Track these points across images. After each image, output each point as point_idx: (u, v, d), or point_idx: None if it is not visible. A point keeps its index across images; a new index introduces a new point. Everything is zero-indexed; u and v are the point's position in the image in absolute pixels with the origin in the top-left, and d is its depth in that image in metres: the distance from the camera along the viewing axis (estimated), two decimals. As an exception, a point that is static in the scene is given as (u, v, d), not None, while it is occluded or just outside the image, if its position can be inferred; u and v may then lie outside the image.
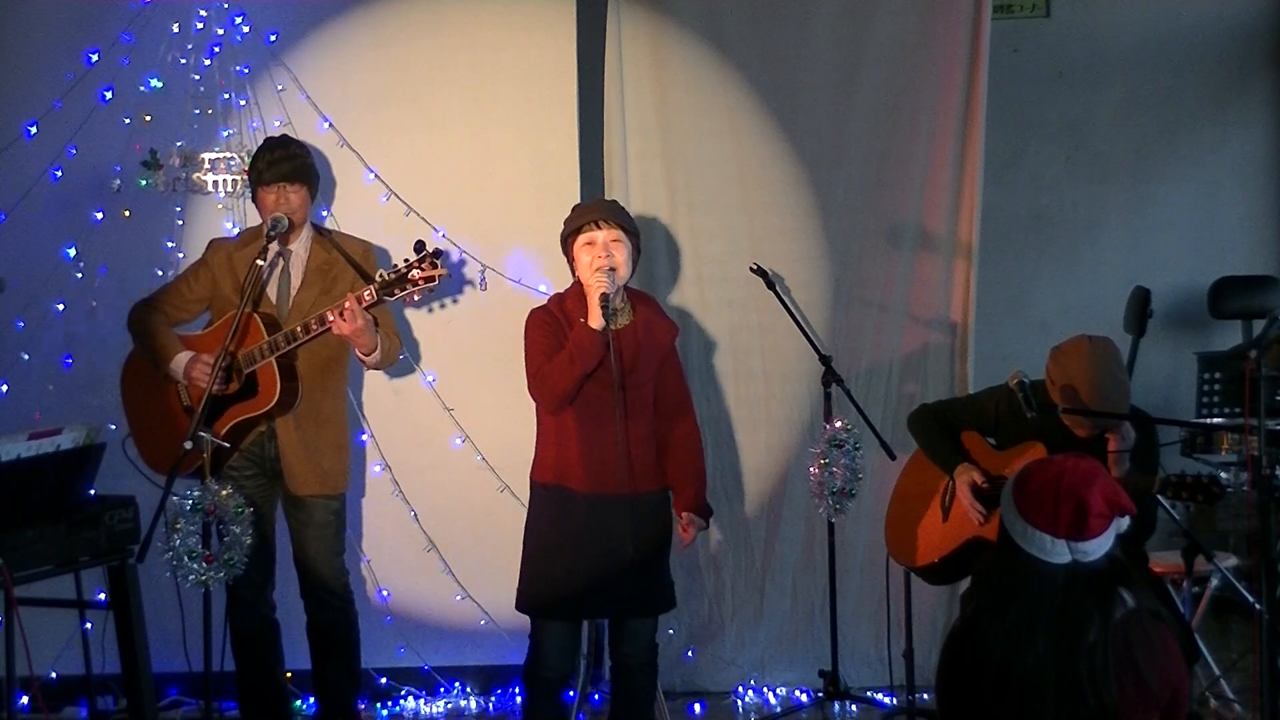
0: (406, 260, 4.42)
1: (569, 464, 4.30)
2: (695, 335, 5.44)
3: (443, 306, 5.24)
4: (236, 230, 5.11)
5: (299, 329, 4.49)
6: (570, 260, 4.37)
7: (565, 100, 5.31)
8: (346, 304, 4.41)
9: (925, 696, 5.04)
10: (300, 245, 4.69)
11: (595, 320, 4.17)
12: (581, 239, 4.29)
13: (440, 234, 5.23)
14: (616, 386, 4.16)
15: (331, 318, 4.44)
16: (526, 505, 4.47)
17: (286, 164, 4.61)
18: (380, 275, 4.45)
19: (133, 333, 4.75)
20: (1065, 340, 4.38)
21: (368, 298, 4.42)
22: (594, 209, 4.38)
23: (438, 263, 4.42)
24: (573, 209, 4.46)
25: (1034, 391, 4.34)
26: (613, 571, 4.24)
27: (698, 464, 4.47)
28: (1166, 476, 4.09)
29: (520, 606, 4.39)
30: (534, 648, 4.39)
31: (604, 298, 4.16)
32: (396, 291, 4.42)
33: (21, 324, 5.25)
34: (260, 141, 5.14)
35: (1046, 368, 4.38)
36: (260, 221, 4.70)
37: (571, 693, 5.04)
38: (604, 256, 4.23)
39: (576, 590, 4.28)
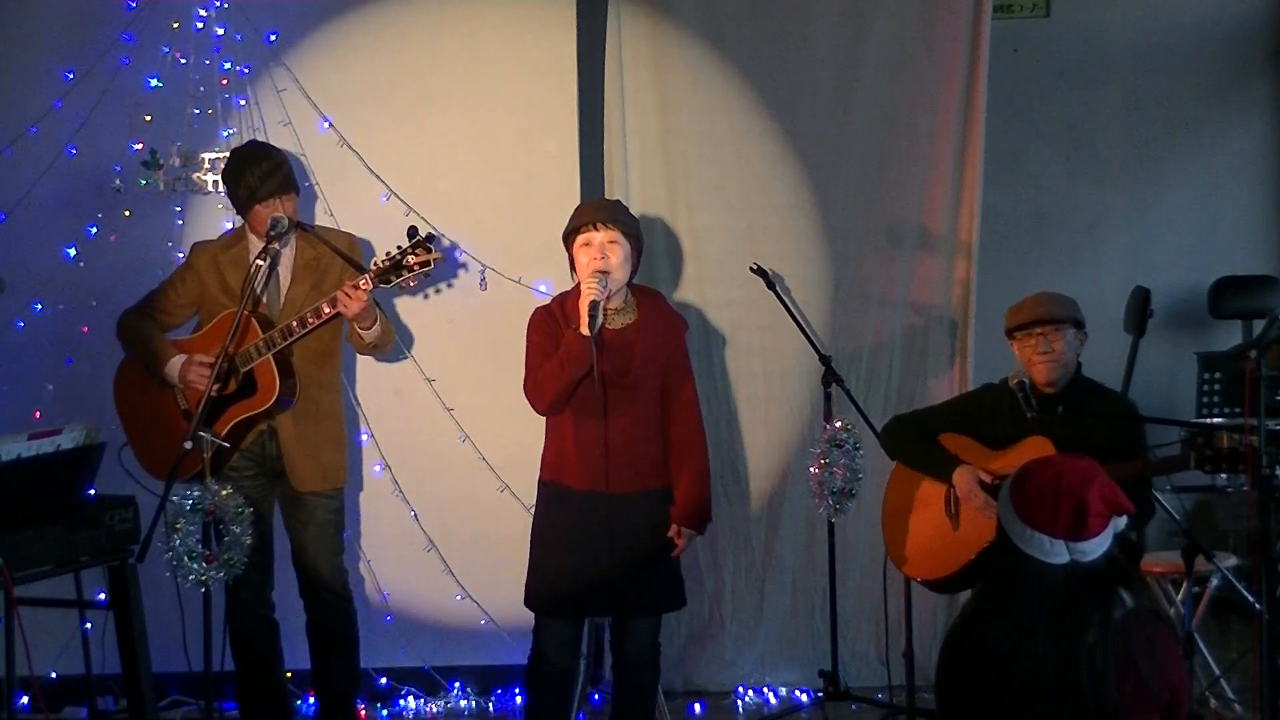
0: (400, 247, 4.42)
1: (565, 461, 4.33)
2: (695, 335, 5.43)
3: (437, 292, 5.24)
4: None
5: (295, 324, 4.49)
6: (571, 259, 4.38)
7: (565, 100, 5.31)
8: (361, 283, 4.41)
9: (926, 696, 5.04)
10: (286, 244, 4.68)
11: (585, 327, 4.17)
12: (579, 239, 4.30)
13: (441, 234, 5.22)
14: (598, 390, 4.16)
15: (329, 310, 4.45)
16: (527, 505, 4.54)
17: (277, 175, 4.59)
18: (375, 263, 4.44)
19: (123, 341, 4.73)
20: None
21: (364, 286, 4.42)
22: (592, 209, 4.38)
23: (431, 247, 4.41)
24: (576, 208, 4.46)
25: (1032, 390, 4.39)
26: (610, 568, 4.24)
27: (694, 465, 4.43)
28: (1192, 438, 4.05)
29: (527, 604, 4.41)
30: (535, 645, 4.41)
31: (593, 305, 4.16)
32: (393, 278, 4.42)
33: (21, 324, 5.25)
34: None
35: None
36: (242, 223, 4.72)
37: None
38: (599, 259, 4.23)
39: (576, 587, 4.28)
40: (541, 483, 4.43)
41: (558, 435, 4.37)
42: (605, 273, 4.23)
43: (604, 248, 4.25)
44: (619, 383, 4.25)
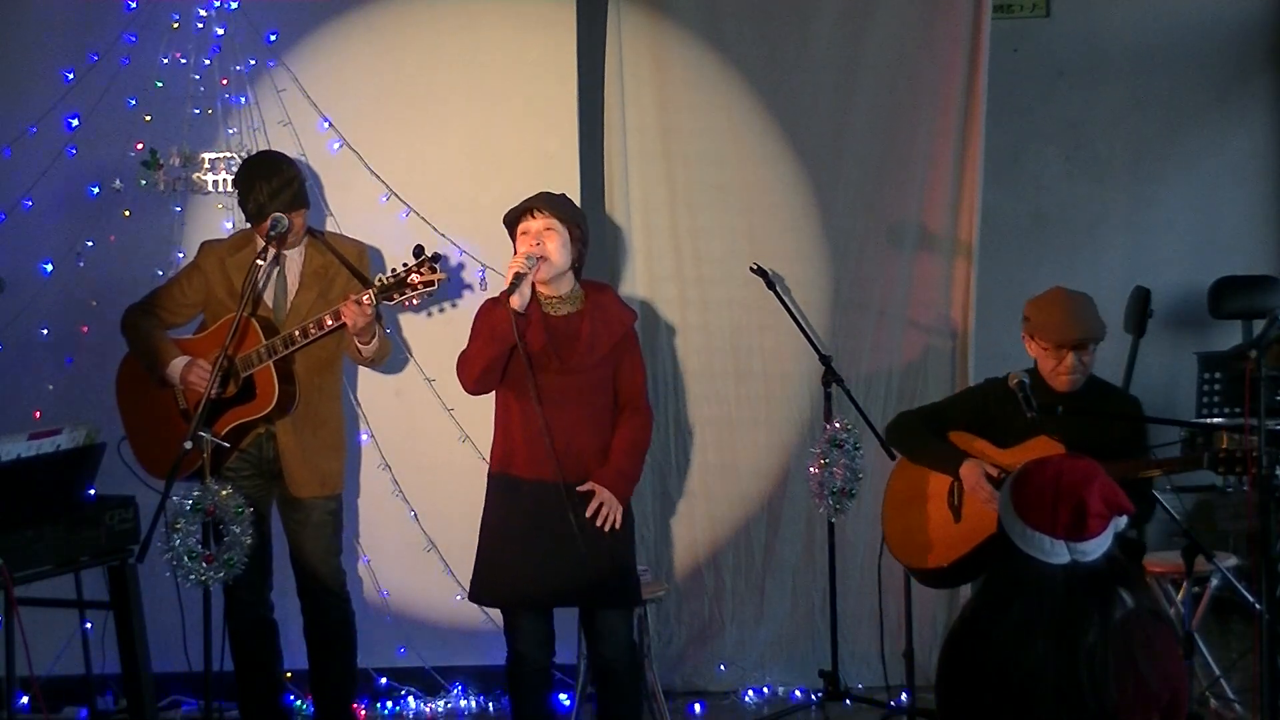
0: (405, 265, 4.42)
1: (513, 451, 4.34)
2: (695, 335, 5.44)
3: (441, 310, 5.24)
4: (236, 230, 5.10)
5: (297, 333, 4.48)
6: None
7: (565, 100, 5.31)
8: (364, 299, 4.40)
9: (926, 696, 5.04)
10: (295, 249, 4.68)
11: (514, 300, 4.19)
12: (519, 229, 4.34)
13: (440, 234, 5.22)
14: (528, 369, 4.20)
15: (331, 322, 4.44)
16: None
17: (287, 191, 4.57)
18: (379, 280, 4.43)
19: (126, 337, 4.73)
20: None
21: (367, 302, 4.41)
22: (531, 199, 4.38)
23: (436, 267, 4.42)
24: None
25: (1032, 389, 4.38)
26: (562, 558, 4.24)
27: (634, 453, 4.41)
28: (1192, 438, 4.05)
29: (471, 596, 4.41)
30: (509, 644, 4.40)
31: (517, 276, 4.19)
32: (395, 296, 4.41)
33: (21, 324, 5.25)
34: (258, 143, 5.16)
35: (1023, 317, 4.51)
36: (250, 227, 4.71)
37: (568, 695, 5.05)
38: (535, 245, 4.28)
39: (525, 578, 4.27)
40: (492, 476, 4.42)
41: (505, 425, 4.38)
42: (541, 258, 4.26)
43: (540, 234, 4.29)
44: (562, 369, 4.26)
